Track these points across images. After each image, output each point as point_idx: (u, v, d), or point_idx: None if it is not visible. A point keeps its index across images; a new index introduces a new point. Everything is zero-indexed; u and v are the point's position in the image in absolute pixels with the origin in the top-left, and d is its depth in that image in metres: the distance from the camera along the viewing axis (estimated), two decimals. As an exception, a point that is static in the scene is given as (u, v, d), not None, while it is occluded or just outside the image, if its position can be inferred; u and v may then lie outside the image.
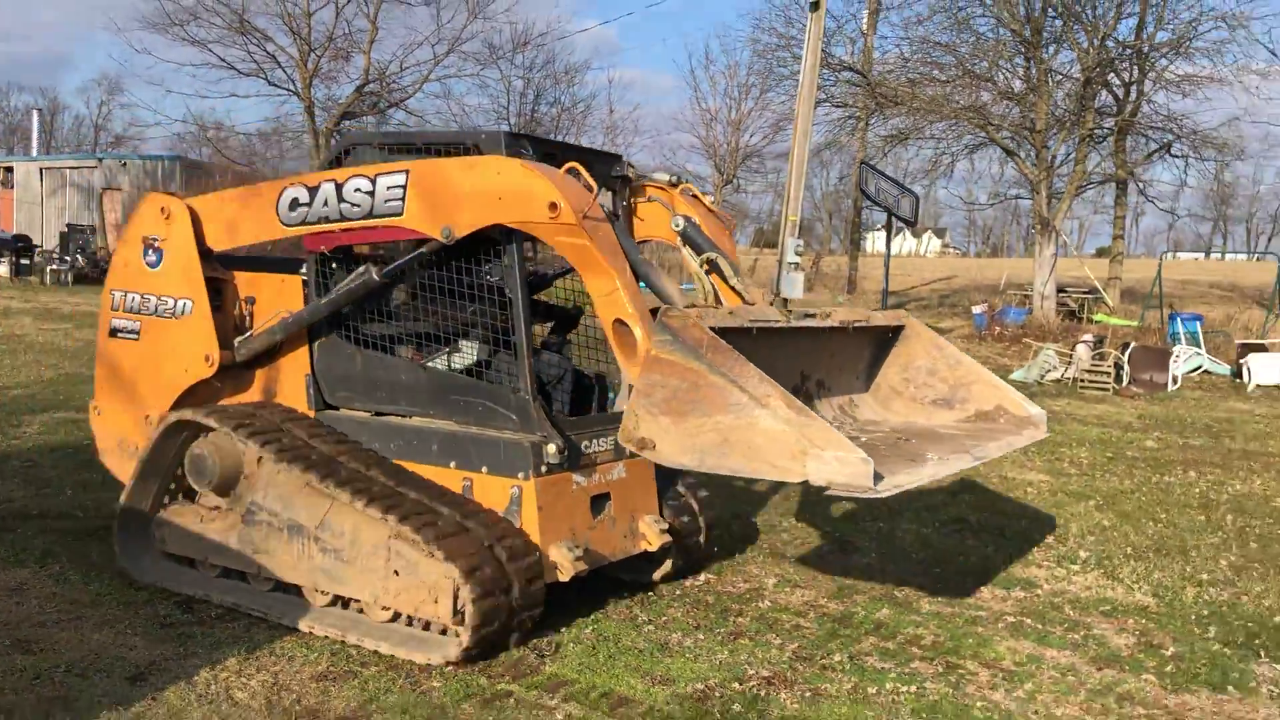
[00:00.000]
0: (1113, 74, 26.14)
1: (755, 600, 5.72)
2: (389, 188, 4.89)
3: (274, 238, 5.52)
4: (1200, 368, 17.78)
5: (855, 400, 5.67)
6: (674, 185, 5.82)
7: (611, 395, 5.76)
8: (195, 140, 41.94)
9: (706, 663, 4.82)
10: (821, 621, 5.45)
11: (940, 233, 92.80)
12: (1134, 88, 26.62)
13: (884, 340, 5.71)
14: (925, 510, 7.81)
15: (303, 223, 5.23)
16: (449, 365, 5.31)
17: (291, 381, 5.58)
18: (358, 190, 4.99)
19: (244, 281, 5.77)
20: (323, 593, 5.08)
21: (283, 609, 5.12)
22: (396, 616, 4.90)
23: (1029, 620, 5.55)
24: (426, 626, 4.81)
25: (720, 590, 5.87)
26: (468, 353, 5.33)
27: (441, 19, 36.73)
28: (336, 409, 5.46)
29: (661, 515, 5.53)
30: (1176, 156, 27.88)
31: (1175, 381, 16.28)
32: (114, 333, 5.93)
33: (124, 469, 5.85)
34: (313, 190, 5.17)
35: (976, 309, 24.87)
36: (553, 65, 41.67)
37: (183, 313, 5.62)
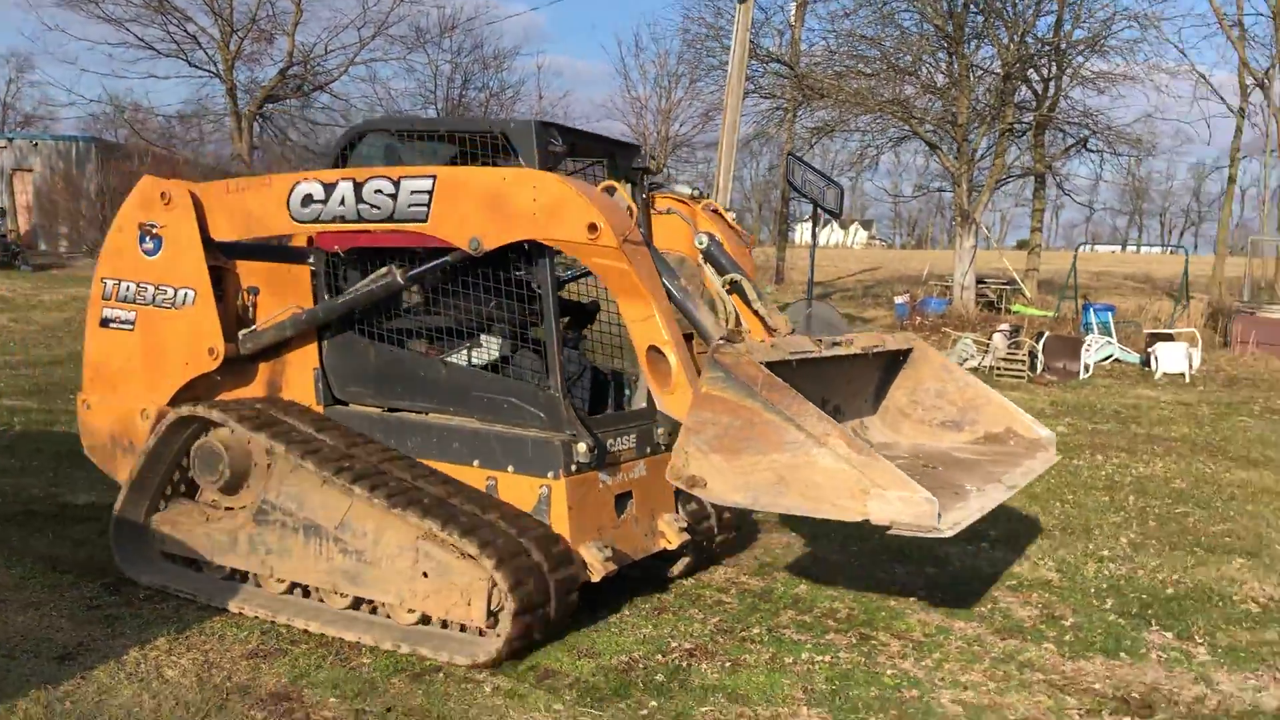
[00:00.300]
0: (1032, 70, 26.84)
1: (680, 577, 5.88)
2: (413, 192, 4.72)
3: (283, 233, 5.32)
4: (1111, 356, 18.36)
5: (865, 423, 5.66)
6: (695, 199, 5.70)
7: (628, 392, 5.66)
8: (111, 121, 40.93)
9: (631, 636, 4.99)
10: (742, 597, 5.64)
11: (867, 225, 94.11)
12: (1052, 84, 27.35)
13: (892, 363, 5.69)
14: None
15: (316, 220, 5.02)
16: (469, 361, 5.18)
17: (298, 375, 5.38)
18: (379, 192, 4.80)
19: (246, 270, 5.53)
20: (341, 595, 4.93)
21: (295, 612, 4.95)
22: (425, 619, 4.76)
23: (939, 594, 5.80)
24: (444, 625, 4.74)
25: (645, 568, 6.03)
26: (490, 348, 5.20)
27: (367, 2, 36.36)
28: (345, 404, 5.29)
29: (678, 513, 5.43)
30: (1092, 151, 28.67)
31: (1087, 370, 16.81)
32: (105, 323, 5.63)
33: (116, 465, 5.64)
34: (329, 187, 4.95)
35: (899, 299, 25.40)
36: (481, 50, 41.47)
37: (183, 303, 5.36)
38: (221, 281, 5.42)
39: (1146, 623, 5.45)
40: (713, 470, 4.13)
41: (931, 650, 5.00)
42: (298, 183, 5.05)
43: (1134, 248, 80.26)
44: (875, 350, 5.39)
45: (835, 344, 5.04)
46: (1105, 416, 12.83)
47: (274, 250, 5.69)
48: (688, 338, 4.75)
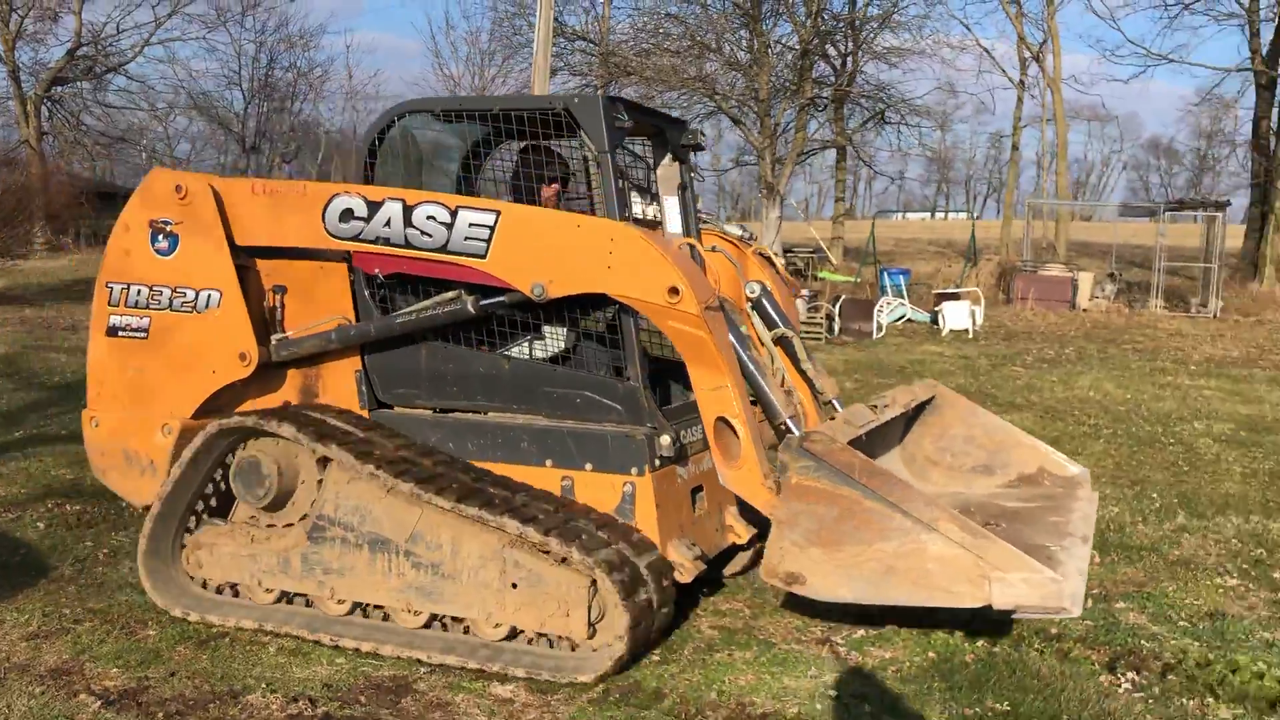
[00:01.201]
0: (830, 46, 28.05)
1: (739, 574, 5.56)
2: (472, 225, 4.40)
3: (314, 246, 4.81)
4: (904, 316, 19.54)
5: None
6: (745, 242, 5.48)
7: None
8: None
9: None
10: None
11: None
12: (849, 59, 28.62)
13: (914, 411, 5.52)
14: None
15: (355, 238, 4.62)
16: (532, 354, 4.85)
17: (338, 379, 4.94)
18: (431, 219, 4.45)
19: (269, 269, 5.00)
20: (414, 613, 4.56)
21: (362, 634, 4.55)
22: (513, 634, 4.43)
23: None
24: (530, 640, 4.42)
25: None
26: (555, 339, 4.84)
27: (162, -21, 34.84)
28: (390, 408, 4.90)
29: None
30: (889, 124, 30.10)
31: (880, 329, 17.88)
32: (113, 332, 5.03)
33: (132, 486, 5.08)
34: (373, 205, 4.55)
35: (709, 270, 26.11)
36: (286, 29, 40.33)
37: (207, 306, 4.85)
38: (244, 281, 4.94)
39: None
40: (812, 565, 3.94)
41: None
42: (337, 194, 4.67)
43: (942, 214, 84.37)
44: (915, 404, 5.34)
45: (885, 406, 5.03)
46: (892, 371, 13.70)
47: (307, 250, 5.13)
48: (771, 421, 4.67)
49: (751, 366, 4.62)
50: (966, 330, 17.93)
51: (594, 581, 4.14)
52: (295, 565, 4.69)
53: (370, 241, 4.59)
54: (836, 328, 17.64)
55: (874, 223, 28.93)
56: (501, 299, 4.53)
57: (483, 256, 4.40)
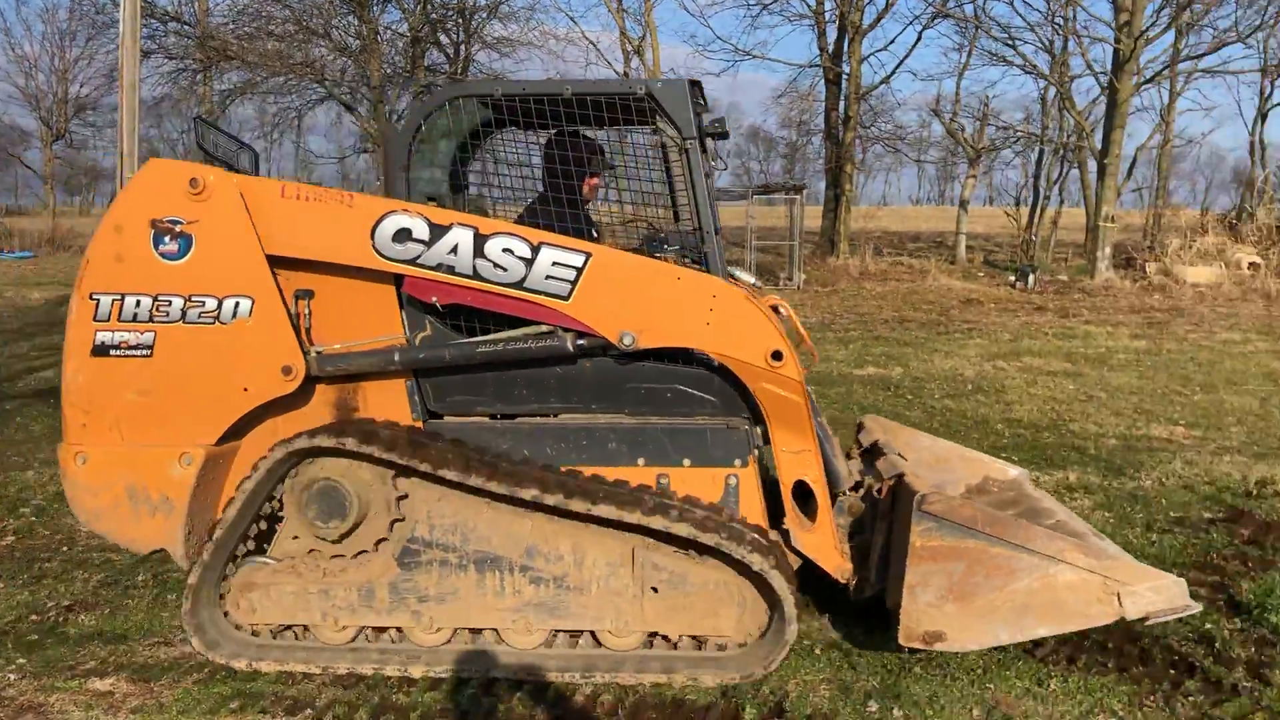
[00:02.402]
0: (441, 34, 28.18)
1: (65, 547, 5.89)
2: (556, 264, 4.14)
3: (358, 264, 4.25)
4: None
5: None
6: (758, 292, 5.10)
7: None
8: None
9: (4, 604, 5.02)
10: (131, 556, 5.76)
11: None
12: (461, 47, 28.90)
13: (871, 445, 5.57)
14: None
15: (412, 262, 4.18)
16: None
17: (383, 391, 4.47)
18: (507, 251, 4.14)
19: (290, 275, 4.35)
20: (532, 632, 4.34)
21: (481, 663, 4.30)
22: (650, 641, 4.35)
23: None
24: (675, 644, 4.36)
25: (29, 544, 5.95)
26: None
27: None
28: (440, 417, 4.51)
29: None
30: (501, 112, 30.56)
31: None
32: (103, 350, 4.27)
33: (136, 530, 4.33)
34: (438, 229, 4.15)
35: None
36: None
37: (234, 316, 4.23)
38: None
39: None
40: (949, 621, 4.00)
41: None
42: (391, 212, 4.19)
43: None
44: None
45: (897, 452, 5.11)
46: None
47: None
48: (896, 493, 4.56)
49: (821, 434, 4.60)
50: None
51: (750, 577, 4.17)
52: (382, 596, 4.33)
53: (430, 268, 4.19)
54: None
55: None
56: (600, 341, 4.25)
57: (565, 298, 4.17)
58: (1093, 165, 25.12)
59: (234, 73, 26.55)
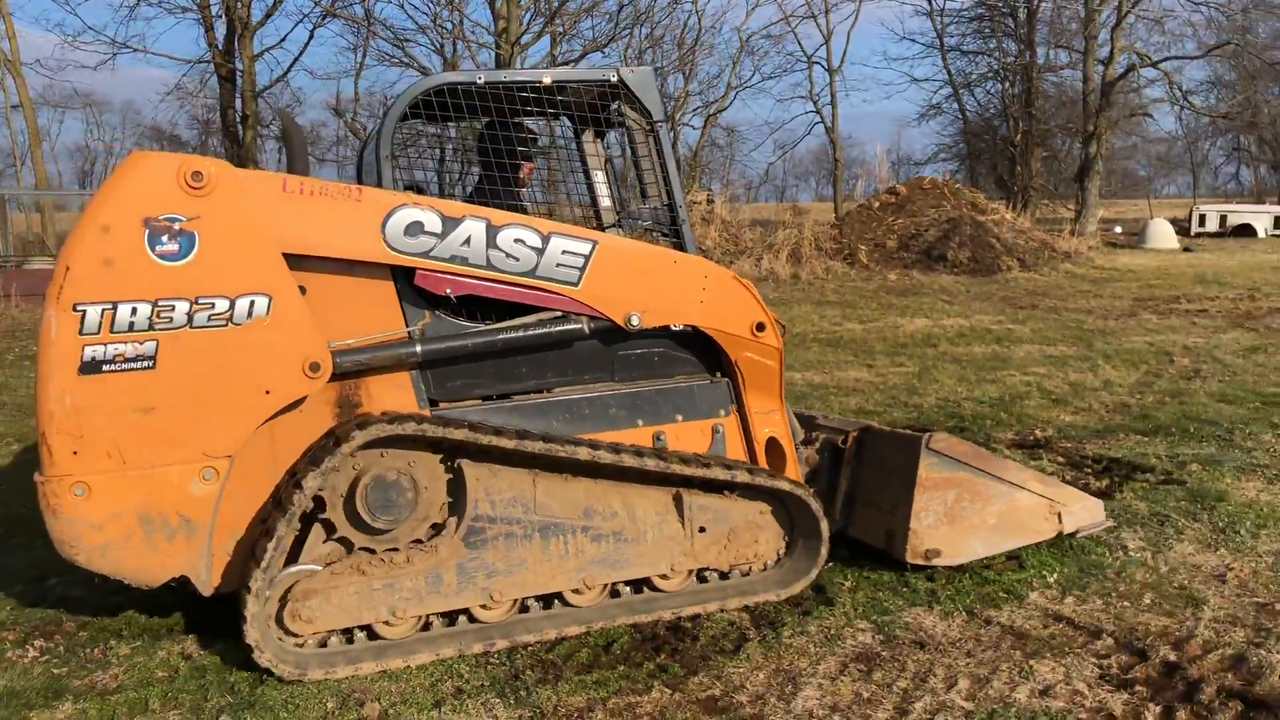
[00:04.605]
0: None
1: None
2: (565, 252, 4.41)
3: (367, 259, 4.14)
4: None
5: None
6: None
7: None
8: None
9: None
10: None
11: None
12: None
13: None
14: None
15: (424, 254, 4.20)
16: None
17: (386, 383, 4.34)
18: (519, 241, 4.33)
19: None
20: (592, 588, 4.51)
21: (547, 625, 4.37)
22: (702, 577, 4.73)
23: None
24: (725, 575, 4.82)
25: None
26: None
27: None
28: (438, 404, 4.48)
29: None
30: None
31: None
32: (94, 367, 3.71)
33: (151, 561, 3.88)
34: (450, 221, 4.21)
35: None
36: None
37: (248, 315, 3.89)
38: None
39: None
40: (944, 539, 4.80)
41: None
42: (401, 205, 4.18)
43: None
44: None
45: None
46: None
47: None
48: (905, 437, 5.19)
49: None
50: None
51: (778, 504, 4.78)
52: (450, 580, 4.26)
53: (443, 259, 4.25)
54: None
55: None
56: (607, 322, 4.56)
57: (575, 284, 4.45)
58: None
59: None
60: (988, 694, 3.82)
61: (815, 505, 4.73)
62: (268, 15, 27.71)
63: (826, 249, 22.32)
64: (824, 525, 4.74)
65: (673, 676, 4.05)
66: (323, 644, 4.18)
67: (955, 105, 41.27)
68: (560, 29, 27.01)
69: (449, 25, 27.28)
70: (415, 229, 4.20)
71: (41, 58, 34.82)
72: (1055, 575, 4.89)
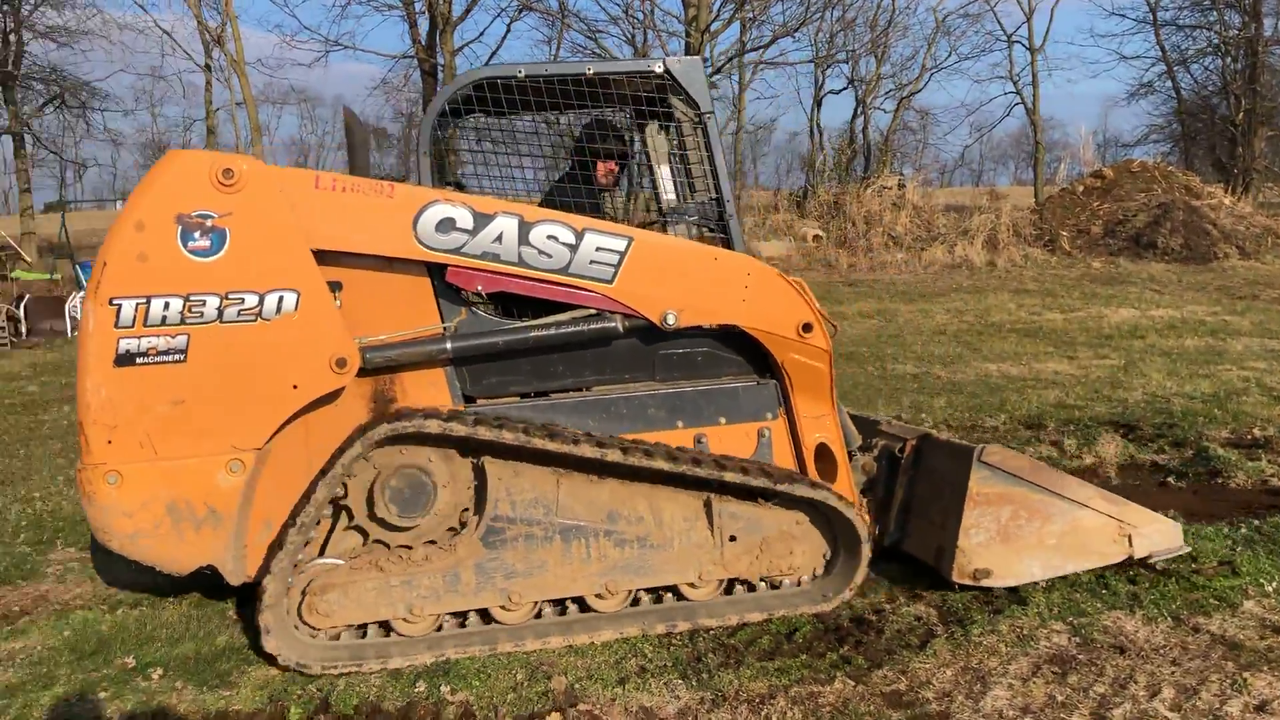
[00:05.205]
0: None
1: None
2: (599, 249, 4.29)
3: (399, 256, 4.20)
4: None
5: None
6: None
7: None
8: None
9: None
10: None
11: None
12: (10, 36, 26.04)
13: None
14: None
15: (456, 251, 4.19)
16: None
17: (422, 378, 4.38)
18: (552, 238, 4.25)
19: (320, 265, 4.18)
20: (614, 594, 4.40)
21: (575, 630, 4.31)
22: (729, 587, 4.55)
23: None
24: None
25: None
26: None
27: None
28: (474, 401, 4.49)
29: None
30: (71, 108, 28.09)
31: (76, 327, 16.82)
32: (127, 359, 3.90)
33: (180, 549, 4.06)
34: (481, 218, 4.19)
35: None
36: None
37: (277, 311, 4.02)
38: None
39: (53, 545, 5.95)
40: (996, 559, 4.48)
41: None
42: (433, 201, 4.17)
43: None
44: None
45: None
46: (70, 369, 13.06)
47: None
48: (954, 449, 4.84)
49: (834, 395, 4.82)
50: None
51: (817, 515, 4.53)
52: (468, 579, 4.24)
53: (475, 256, 4.22)
54: (24, 329, 16.20)
55: (64, 214, 26.81)
56: (642, 320, 4.43)
57: (609, 282, 4.34)
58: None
59: None
60: (1195, 705, 3.61)
61: (851, 515, 4.44)
62: (468, 10, 28.62)
63: (1025, 235, 21.47)
64: (864, 538, 4.47)
65: (856, 668, 4.00)
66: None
67: (1169, 83, 38.70)
68: (750, 14, 26.86)
69: (640, 15, 27.54)
70: (447, 225, 4.19)
71: (262, 57, 37.22)
72: (1275, 584, 4.56)
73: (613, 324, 4.41)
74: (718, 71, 26.98)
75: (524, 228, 4.24)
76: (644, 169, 4.85)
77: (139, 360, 3.91)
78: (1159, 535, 4.60)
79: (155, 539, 4.04)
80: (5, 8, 25.33)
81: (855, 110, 36.80)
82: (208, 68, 30.56)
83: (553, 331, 4.39)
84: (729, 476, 4.27)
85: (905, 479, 4.91)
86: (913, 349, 11.56)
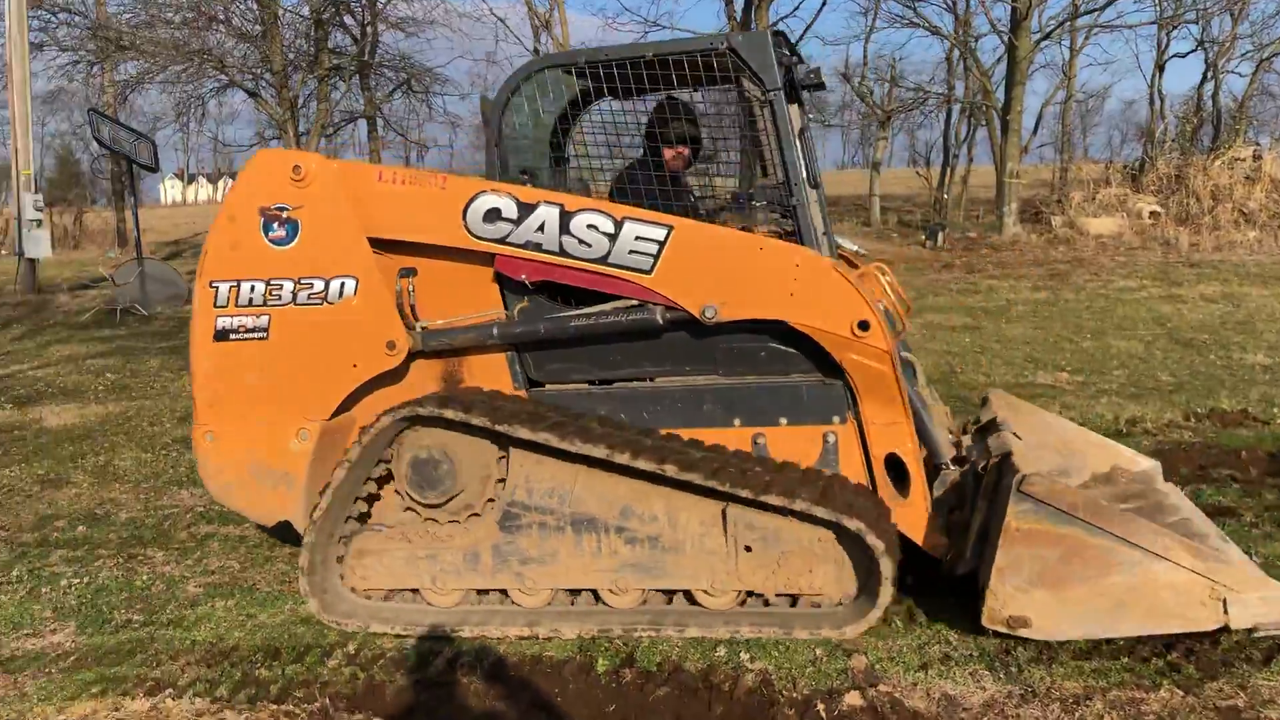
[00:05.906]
0: (347, 15, 27.73)
1: None
2: (639, 238, 4.22)
3: (451, 245, 4.42)
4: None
5: None
6: (861, 258, 4.98)
7: None
8: None
9: None
10: (12, 548, 5.76)
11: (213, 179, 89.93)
12: (367, 28, 28.48)
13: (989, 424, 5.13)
14: (145, 438, 8.25)
15: (502, 240, 4.33)
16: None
17: (486, 362, 4.62)
18: (591, 227, 4.25)
19: (393, 256, 4.55)
20: (625, 592, 4.38)
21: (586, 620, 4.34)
22: (744, 599, 4.32)
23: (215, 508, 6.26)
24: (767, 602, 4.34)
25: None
26: None
27: None
28: (542, 385, 4.65)
29: None
30: (416, 93, 30.35)
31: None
32: (223, 335, 4.52)
33: (262, 504, 4.61)
34: (525, 207, 4.29)
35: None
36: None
37: (340, 296, 4.45)
38: None
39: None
40: (1037, 607, 3.86)
41: (193, 551, 5.55)
42: (481, 192, 4.34)
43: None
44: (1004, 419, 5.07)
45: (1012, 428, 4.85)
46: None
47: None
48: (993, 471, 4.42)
49: (917, 404, 4.46)
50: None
51: (843, 536, 4.09)
52: (486, 560, 4.43)
53: (519, 245, 4.33)
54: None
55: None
56: (682, 313, 4.30)
57: (648, 272, 4.25)
58: (999, 123, 25.52)
59: (130, 63, 25.81)
60: None
61: (871, 540, 3.94)
62: (783, -17, 28.47)
63: None
64: (884, 562, 3.96)
65: (1186, 678, 3.71)
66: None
67: None
68: (1084, -25, 24.98)
69: (963, -21, 26.29)
70: (493, 215, 4.31)
71: (585, 40, 38.72)
72: None
73: (651, 316, 4.30)
74: (1046, 37, 25.26)
75: (565, 217, 4.27)
76: (768, 147, 4.51)
77: (232, 336, 4.51)
78: (1264, 605, 3.73)
79: (242, 492, 4.61)
80: (364, 2, 27.68)
81: (1204, 75, 33.43)
82: (536, 51, 32.15)
83: (591, 321, 4.39)
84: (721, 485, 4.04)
85: (984, 501, 4.27)
86: (1265, 337, 10.39)
